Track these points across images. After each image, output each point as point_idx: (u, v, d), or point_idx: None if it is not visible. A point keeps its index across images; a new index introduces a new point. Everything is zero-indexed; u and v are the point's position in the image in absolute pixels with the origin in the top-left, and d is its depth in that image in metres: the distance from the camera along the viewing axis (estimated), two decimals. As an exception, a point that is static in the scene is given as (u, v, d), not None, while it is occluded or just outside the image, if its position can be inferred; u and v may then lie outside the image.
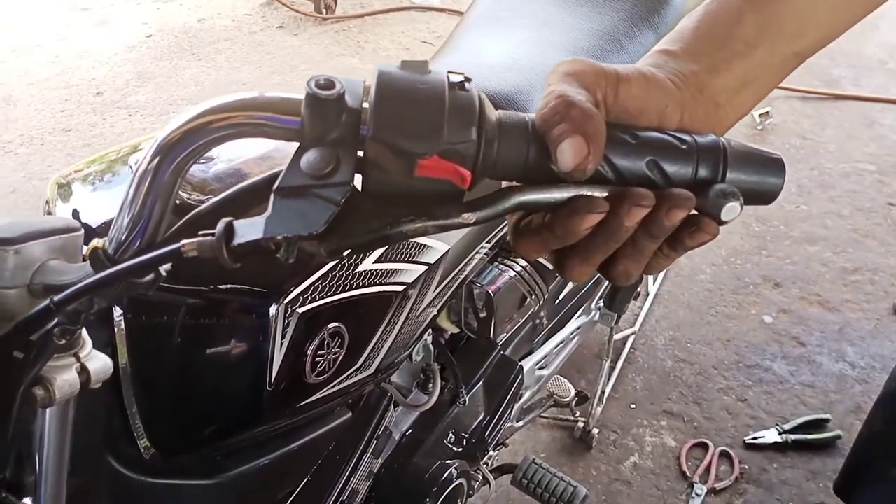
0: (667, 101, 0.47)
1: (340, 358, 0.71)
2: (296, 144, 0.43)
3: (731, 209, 0.45)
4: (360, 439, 0.95)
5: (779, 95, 2.91)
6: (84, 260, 0.50)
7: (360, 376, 0.77)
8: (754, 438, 1.79)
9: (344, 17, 3.50)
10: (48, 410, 0.48)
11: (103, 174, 0.77)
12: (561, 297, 1.43)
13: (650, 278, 2.17)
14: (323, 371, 0.69)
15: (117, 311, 0.61)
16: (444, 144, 0.42)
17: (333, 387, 0.73)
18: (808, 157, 2.65)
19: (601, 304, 1.54)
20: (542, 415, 1.81)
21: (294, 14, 3.49)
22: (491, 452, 1.29)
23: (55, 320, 0.45)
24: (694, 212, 0.45)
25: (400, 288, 0.77)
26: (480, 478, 1.25)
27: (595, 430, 1.76)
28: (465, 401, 1.16)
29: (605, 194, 0.44)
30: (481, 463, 1.27)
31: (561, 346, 1.43)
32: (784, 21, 0.51)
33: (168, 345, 0.62)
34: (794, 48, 0.53)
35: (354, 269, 0.70)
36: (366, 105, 0.43)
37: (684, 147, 0.46)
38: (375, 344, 0.77)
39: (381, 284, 0.74)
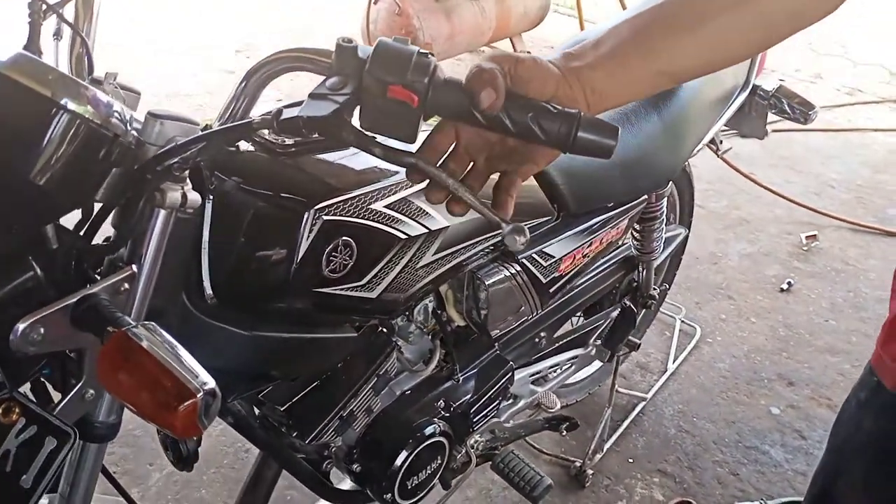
0: (546, 76, 0.76)
1: (349, 266, 1.01)
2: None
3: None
4: (364, 369, 1.23)
5: (830, 224, 3.10)
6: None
7: (364, 294, 1.06)
8: (737, 506, 1.93)
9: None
10: (157, 215, 0.80)
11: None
12: (562, 329, 1.68)
13: (671, 356, 2.38)
14: (334, 270, 0.99)
15: (210, 198, 0.94)
16: (406, 80, 0.73)
17: (343, 291, 1.03)
18: (846, 280, 2.81)
19: (598, 342, 1.78)
20: (545, 451, 2.03)
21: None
22: (477, 437, 1.53)
23: (176, 158, 0.78)
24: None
25: (402, 235, 1.07)
26: (463, 452, 1.48)
27: (590, 472, 1.95)
28: (458, 378, 1.41)
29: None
30: (468, 444, 1.51)
31: (556, 368, 1.67)
32: (655, 50, 0.80)
33: (236, 224, 0.94)
34: (660, 68, 0.81)
35: (369, 205, 1.01)
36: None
37: (555, 112, 0.75)
38: (378, 272, 1.06)
39: (387, 225, 1.04)
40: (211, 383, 0.67)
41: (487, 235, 1.27)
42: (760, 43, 0.84)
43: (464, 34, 3.97)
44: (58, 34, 0.99)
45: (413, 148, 0.77)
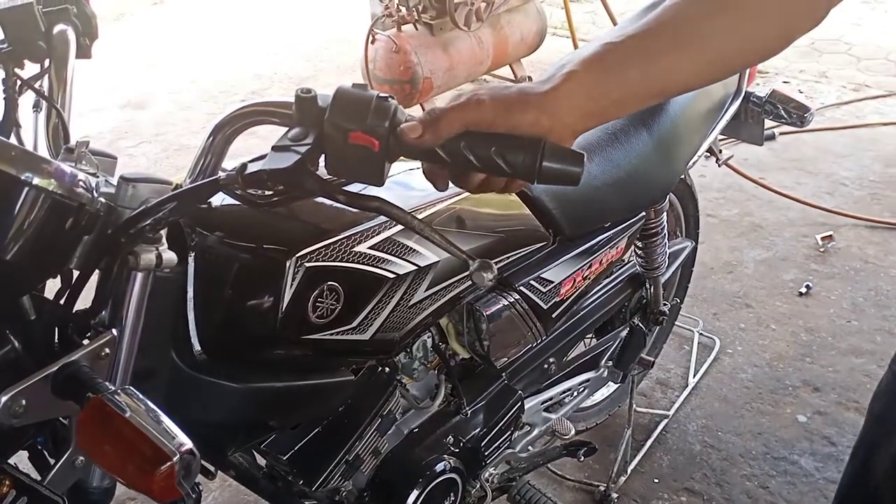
0: (524, 106, 0.75)
1: (337, 311, 1.01)
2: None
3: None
4: (367, 411, 1.22)
5: (845, 223, 3.05)
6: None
7: (357, 336, 1.06)
8: (769, 521, 1.88)
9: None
10: (134, 277, 0.80)
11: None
12: (572, 352, 1.66)
13: (691, 370, 2.34)
14: (322, 316, 0.99)
15: (192, 255, 0.94)
16: (366, 126, 0.73)
17: (334, 335, 1.02)
18: (867, 279, 2.75)
19: (610, 363, 1.75)
20: (568, 477, 2.00)
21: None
22: (491, 470, 1.51)
23: (149, 220, 0.78)
24: None
25: (391, 275, 1.07)
26: (478, 486, 1.46)
27: (615, 496, 1.92)
28: (466, 412, 1.40)
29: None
30: (482, 477, 1.49)
31: (568, 393, 1.65)
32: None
33: (220, 278, 0.94)
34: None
35: (352, 248, 1.01)
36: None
37: (518, 143, 0.75)
38: (369, 313, 1.06)
39: (374, 266, 1.04)
40: (188, 444, 0.67)
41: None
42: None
43: (462, 65, 3.99)
44: (37, 106, 1.01)
45: (378, 192, 0.78)
